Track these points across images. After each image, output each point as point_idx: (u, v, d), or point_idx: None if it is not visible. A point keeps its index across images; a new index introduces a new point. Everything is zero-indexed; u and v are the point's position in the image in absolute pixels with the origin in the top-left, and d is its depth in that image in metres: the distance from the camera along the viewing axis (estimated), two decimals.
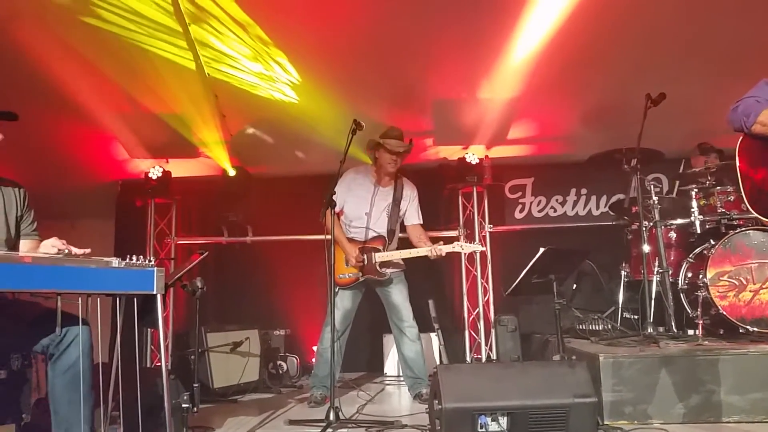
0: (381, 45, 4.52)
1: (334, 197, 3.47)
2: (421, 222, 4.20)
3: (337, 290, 3.92)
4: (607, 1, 4.03)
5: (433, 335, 5.13)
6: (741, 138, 2.46)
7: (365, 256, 3.98)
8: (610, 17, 4.13)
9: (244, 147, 5.67)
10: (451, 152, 5.83)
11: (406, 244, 4.18)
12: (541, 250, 3.49)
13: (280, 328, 5.34)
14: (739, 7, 4.01)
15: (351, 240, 4.06)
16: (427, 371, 4.09)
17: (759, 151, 2.40)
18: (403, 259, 4.10)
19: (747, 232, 3.94)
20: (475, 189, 5.74)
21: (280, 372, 4.97)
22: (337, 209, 3.92)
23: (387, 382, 5.03)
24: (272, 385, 4.77)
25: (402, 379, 4.45)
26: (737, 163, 2.48)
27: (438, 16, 4.27)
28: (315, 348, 4.30)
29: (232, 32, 4.43)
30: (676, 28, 4.24)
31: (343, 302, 4.00)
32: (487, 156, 5.68)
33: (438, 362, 5.05)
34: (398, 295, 4.04)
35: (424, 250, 3.94)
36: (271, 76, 4.89)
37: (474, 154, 5.59)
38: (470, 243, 3.98)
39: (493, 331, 5.58)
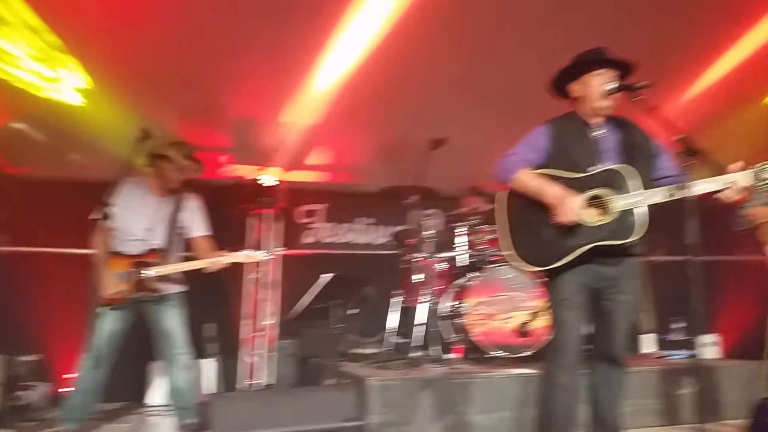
0: (184, 56, 4.37)
1: (108, 209, 3.18)
2: (209, 233, 3.94)
3: (104, 310, 3.57)
4: (403, 45, 4.37)
5: (207, 361, 4.93)
6: (505, 192, 2.81)
7: (138, 272, 3.67)
8: (404, 61, 4.48)
9: (7, 143, 4.97)
10: (247, 172, 5.74)
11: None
12: (325, 277, 3.59)
13: (30, 352, 4.67)
14: (513, 62, 4.58)
15: (122, 255, 3.73)
16: (196, 400, 3.89)
17: (519, 204, 2.74)
18: (184, 279, 3.88)
19: (501, 267, 4.50)
20: (268, 211, 5.71)
21: (24, 403, 4.32)
22: (110, 222, 3.59)
23: (151, 413, 4.68)
24: (12, 419, 4.14)
25: (168, 408, 4.18)
26: (502, 210, 2.81)
27: (247, 35, 4.26)
28: (71, 376, 3.84)
29: (17, 33, 4.11)
30: (459, 79, 4.72)
31: (110, 324, 3.63)
32: (283, 179, 5.71)
33: (213, 390, 4.88)
34: (172, 319, 3.78)
35: (203, 261, 3.68)
36: (57, 77, 4.56)
37: (271, 176, 5.58)
38: (258, 251, 3.82)
39: (272, 355, 5.57)
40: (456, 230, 4.80)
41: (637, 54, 2.68)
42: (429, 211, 4.68)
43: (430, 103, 4.88)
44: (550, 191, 2.58)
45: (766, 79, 5.24)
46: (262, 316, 5.67)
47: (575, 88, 2.75)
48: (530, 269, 2.75)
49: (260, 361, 5.57)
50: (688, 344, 5.23)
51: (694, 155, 2.29)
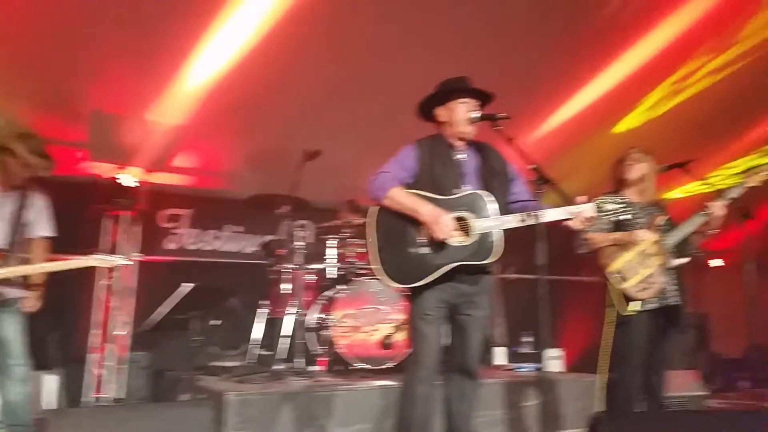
0: (37, 41, 3.99)
1: None
2: (51, 235, 3.61)
3: None
4: (280, 52, 4.31)
5: (49, 374, 4.49)
6: (375, 208, 2.86)
7: None
8: (280, 67, 4.43)
9: None
10: (105, 170, 5.33)
11: None
12: (185, 286, 3.43)
13: None
14: (389, 81, 4.68)
15: None
16: (33, 416, 3.52)
17: (388, 221, 2.80)
18: (28, 284, 3.50)
19: (368, 280, 4.57)
20: (126, 213, 5.34)
21: None
22: None
23: None
24: None
25: (0, 426, 3.74)
26: (371, 226, 2.86)
27: (110, 23, 3.96)
28: None
29: None
30: (335, 92, 4.74)
31: None
32: (145, 180, 5.38)
33: (54, 405, 4.45)
34: (11, 327, 3.40)
35: (51, 264, 3.39)
36: None
37: (131, 176, 5.23)
38: (111, 255, 3.54)
39: (124, 368, 5.20)
40: (327, 242, 4.81)
41: (501, 86, 2.89)
42: (300, 222, 4.63)
43: (306, 114, 4.88)
44: (425, 209, 2.69)
45: (616, 112, 5.78)
46: (113, 326, 5.27)
47: (441, 112, 2.91)
48: (396, 286, 2.83)
49: (109, 374, 5.17)
50: (536, 358, 5.63)
51: (545, 184, 2.50)
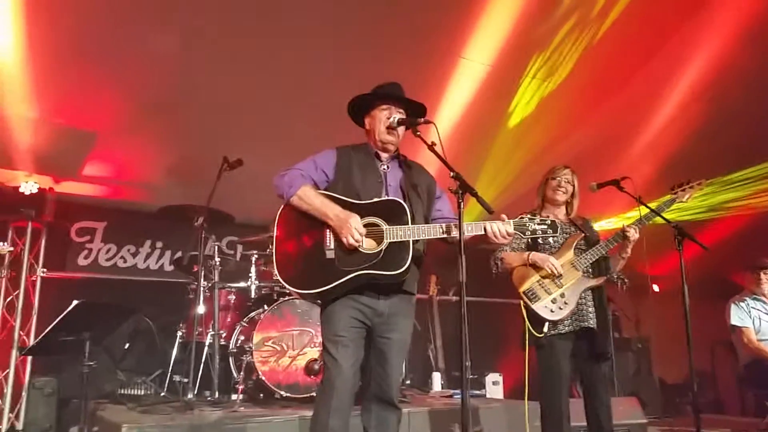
0: None
1: None
2: None
3: None
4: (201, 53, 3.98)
5: None
6: (282, 207, 2.57)
7: None
8: (200, 71, 4.09)
9: None
10: (8, 177, 4.85)
11: None
12: (74, 303, 3.07)
13: None
14: (314, 97, 4.39)
15: None
16: None
17: (294, 222, 2.52)
18: None
19: (294, 300, 4.20)
20: (30, 224, 4.87)
21: None
22: None
23: None
24: None
25: None
26: (275, 231, 2.56)
27: None
28: None
29: None
30: (256, 106, 4.42)
31: None
32: (52, 189, 4.92)
33: None
34: None
35: None
36: None
37: (36, 184, 4.77)
38: None
39: (24, 395, 4.69)
40: (250, 259, 4.47)
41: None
42: (226, 239, 4.29)
43: (227, 126, 4.53)
44: (334, 211, 2.44)
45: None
46: (15, 349, 4.75)
47: (366, 120, 2.70)
48: (296, 291, 2.55)
49: (6, 401, 4.65)
50: (477, 383, 5.39)
51: (467, 193, 2.30)
